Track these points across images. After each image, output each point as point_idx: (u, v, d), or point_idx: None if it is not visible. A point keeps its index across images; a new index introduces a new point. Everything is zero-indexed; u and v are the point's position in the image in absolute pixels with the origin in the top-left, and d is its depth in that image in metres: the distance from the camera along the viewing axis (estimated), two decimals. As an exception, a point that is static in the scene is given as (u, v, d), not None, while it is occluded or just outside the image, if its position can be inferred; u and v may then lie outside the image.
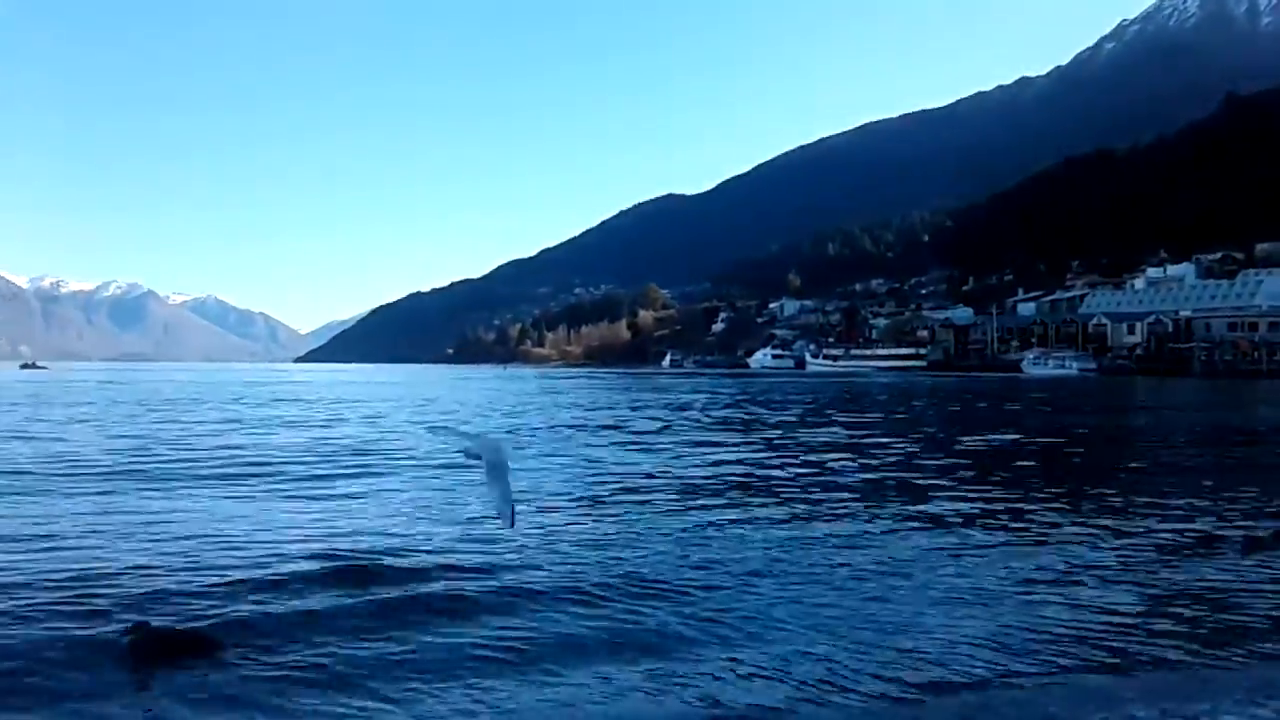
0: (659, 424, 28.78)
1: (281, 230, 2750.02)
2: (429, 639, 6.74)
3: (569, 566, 8.73)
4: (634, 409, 39.36)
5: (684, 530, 10.67)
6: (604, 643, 6.67)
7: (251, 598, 7.66)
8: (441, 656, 6.41)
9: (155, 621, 6.70)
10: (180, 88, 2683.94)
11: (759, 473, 16.40)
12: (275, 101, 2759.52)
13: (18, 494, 13.59)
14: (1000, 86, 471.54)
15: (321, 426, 28.31)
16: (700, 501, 12.76)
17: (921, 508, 12.13)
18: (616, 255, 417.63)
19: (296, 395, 55.24)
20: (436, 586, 8.04)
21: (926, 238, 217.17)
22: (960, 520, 11.20)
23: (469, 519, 11.24)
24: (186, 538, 10.17)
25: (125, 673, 6.07)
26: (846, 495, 13.49)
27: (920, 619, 7.16)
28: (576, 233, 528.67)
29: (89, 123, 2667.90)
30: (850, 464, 17.60)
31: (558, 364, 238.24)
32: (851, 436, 24.78)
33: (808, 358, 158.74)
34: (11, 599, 7.55)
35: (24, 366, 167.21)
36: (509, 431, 24.11)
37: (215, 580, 8.15)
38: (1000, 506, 12.45)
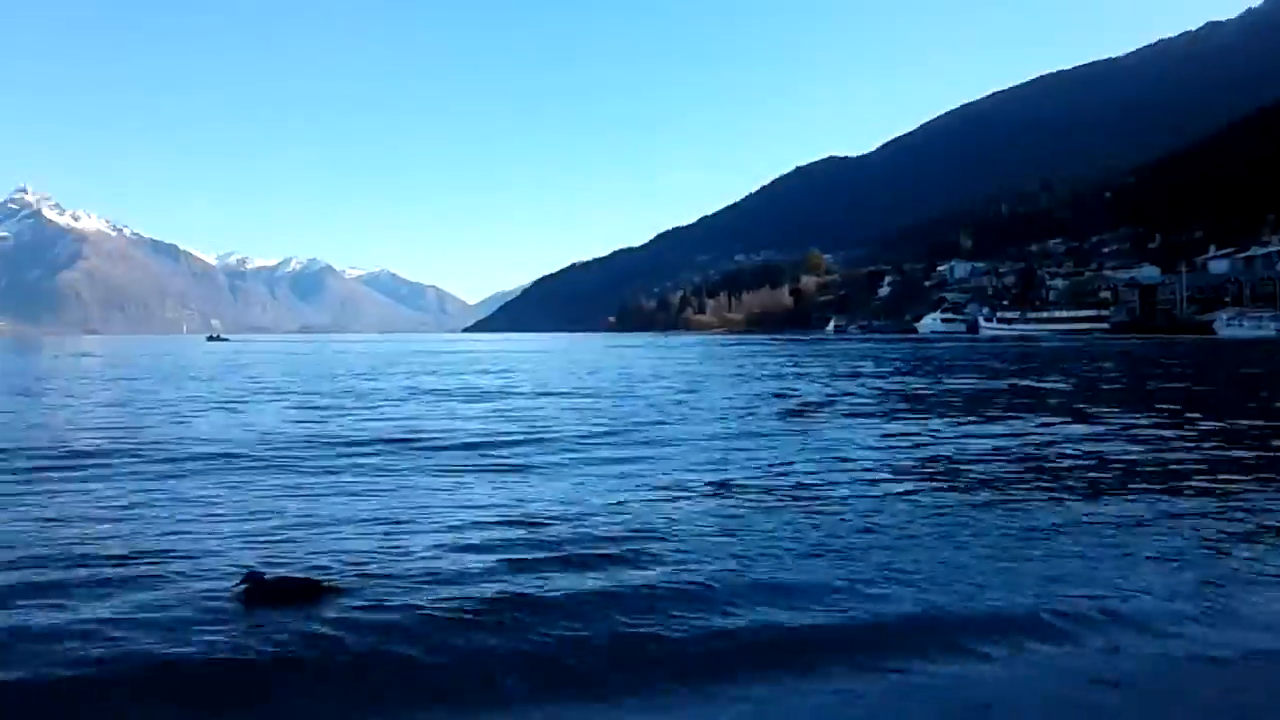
0: (861, 395, 27.97)
1: (450, 205, 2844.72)
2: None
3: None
4: (827, 380, 38.51)
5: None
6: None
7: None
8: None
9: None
10: (353, 87, 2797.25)
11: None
12: (441, 90, 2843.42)
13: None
14: (1186, 33, 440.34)
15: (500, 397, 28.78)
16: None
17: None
18: (777, 221, 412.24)
19: (473, 365, 56.80)
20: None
21: (1108, 194, 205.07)
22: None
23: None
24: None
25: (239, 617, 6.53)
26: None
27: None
28: (736, 199, 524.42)
29: (270, 114, 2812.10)
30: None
31: (719, 331, 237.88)
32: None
33: (980, 321, 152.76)
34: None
35: (210, 339, 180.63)
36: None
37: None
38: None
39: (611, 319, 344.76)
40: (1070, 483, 11.79)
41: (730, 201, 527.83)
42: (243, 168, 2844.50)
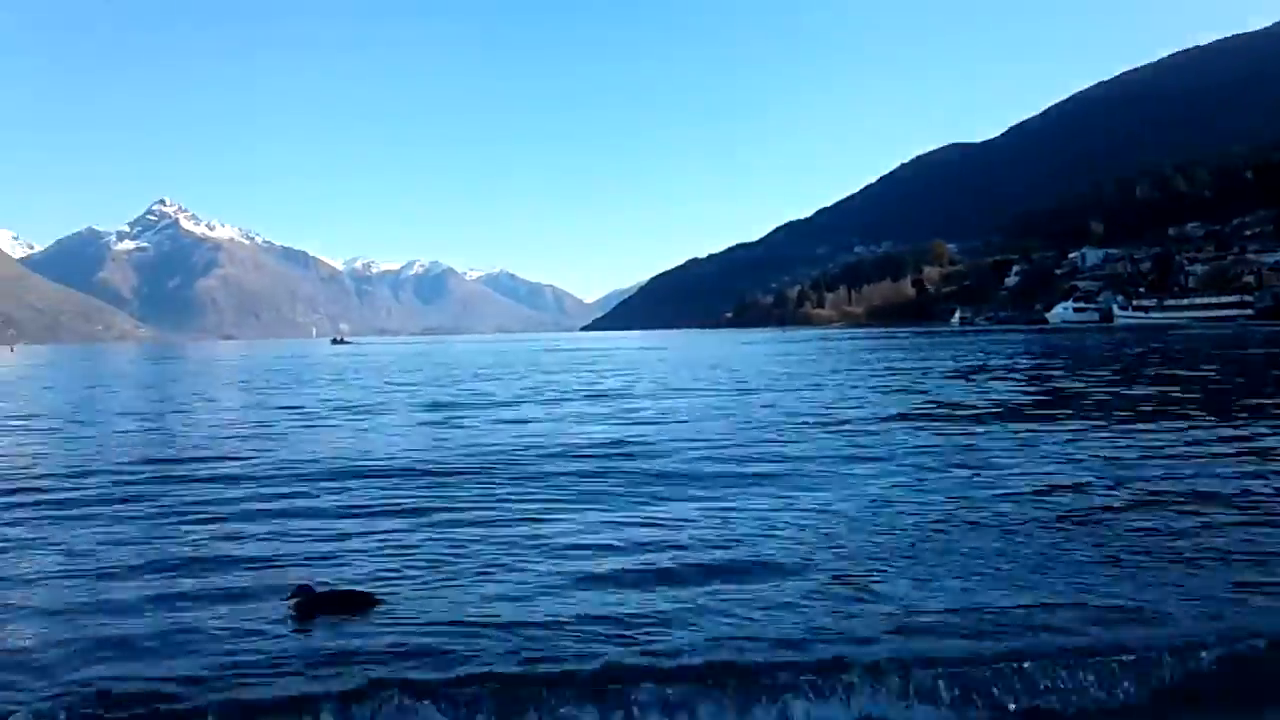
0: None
1: (567, 205, 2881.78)
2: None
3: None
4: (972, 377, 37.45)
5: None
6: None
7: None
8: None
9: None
10: (472, 92, 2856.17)
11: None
12: (557, 91, 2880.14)
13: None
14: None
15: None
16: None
17: None
18: (897, 212, 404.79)
19: (591, 364, 57.47)
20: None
21: (1249, 174, 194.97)
22: None
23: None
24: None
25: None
26: None
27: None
28: (854, 191, 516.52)
29: (391, 122, 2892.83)
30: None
31: (838, 325, 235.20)
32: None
33: (1115, 310, 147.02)
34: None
35: (333, 342, 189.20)
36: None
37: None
38: None
39: (728, 314, 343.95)
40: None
41: (849, 193, 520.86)
42: (367, 174, 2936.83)
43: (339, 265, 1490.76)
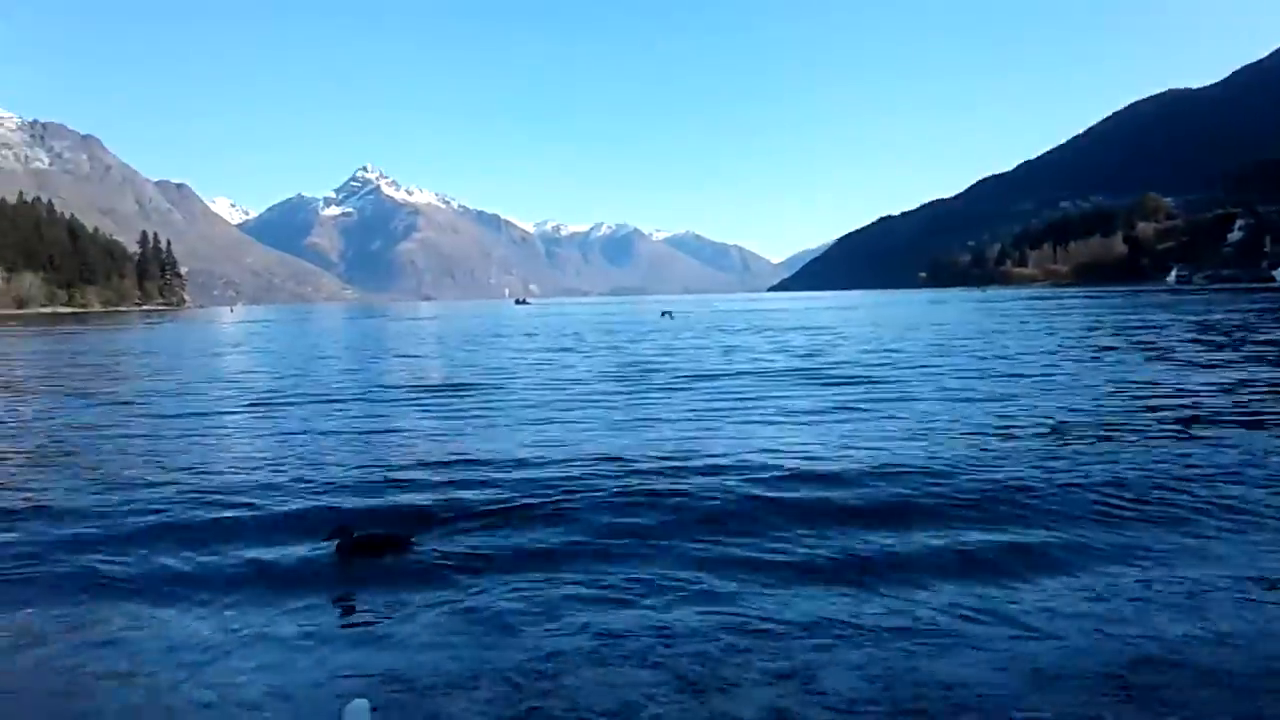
0: None
1: (753, 164, 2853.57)
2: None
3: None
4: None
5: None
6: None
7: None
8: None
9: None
10: (648, 56, 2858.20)
11: None
12: (741, 48, 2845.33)
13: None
14: None
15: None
16: None
17: None
18: (1107, 164, 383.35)
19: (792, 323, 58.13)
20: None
21: None
22: None
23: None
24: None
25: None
26: None
27: None
28: (1060, 141, 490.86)
29: (575, 86, 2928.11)
30: None
31: (1042, 284, 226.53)
32: None
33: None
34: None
35: (517, 302, 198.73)
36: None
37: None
38: None
39: (923, 274, 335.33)
40: None
41: (1055, 144, 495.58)
42: (556, 139, 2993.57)
43: (530, 228, 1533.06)
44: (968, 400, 16.21)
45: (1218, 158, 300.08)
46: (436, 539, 7.73)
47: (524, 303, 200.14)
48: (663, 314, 56.24)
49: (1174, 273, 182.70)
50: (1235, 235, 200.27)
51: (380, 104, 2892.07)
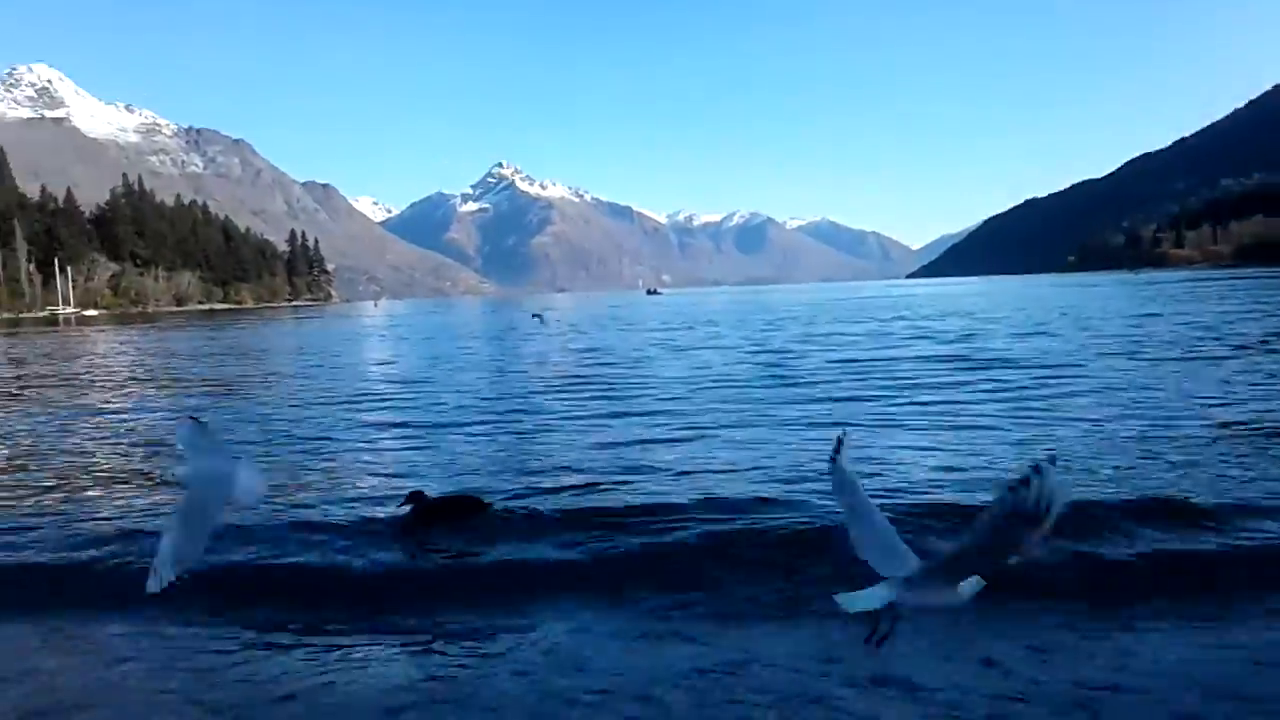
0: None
1: (888, 147, 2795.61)
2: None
3: None
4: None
5: None
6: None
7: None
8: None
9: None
10: (782, 43, 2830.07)
11: None
12: (868, 31, 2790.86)
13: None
14: None
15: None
16: None
17: None
18: (1271, 138, 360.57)
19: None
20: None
21: None
22: None
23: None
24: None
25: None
26: None
27: None
28: (1221, 115, 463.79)
29: (703, 79, 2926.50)
30: None
31: (1202, 266, 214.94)
32: None
33: None
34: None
35: (649, 292, 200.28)
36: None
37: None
38: None
39: (1071, 258, 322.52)
40: None
41: (1214, 119, 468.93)
42: (686, 129, 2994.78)
43: (661, 219, 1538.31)
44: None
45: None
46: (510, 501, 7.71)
47: (655, 293, 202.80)
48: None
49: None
50: None
51: (514, 102, 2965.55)
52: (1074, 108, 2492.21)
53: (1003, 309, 46.78)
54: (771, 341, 28.51)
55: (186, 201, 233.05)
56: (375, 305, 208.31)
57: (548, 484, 8.53)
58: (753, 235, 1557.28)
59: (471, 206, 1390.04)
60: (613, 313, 69.66)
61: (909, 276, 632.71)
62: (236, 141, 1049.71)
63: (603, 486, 8.36)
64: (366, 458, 10.50)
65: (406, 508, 7.08)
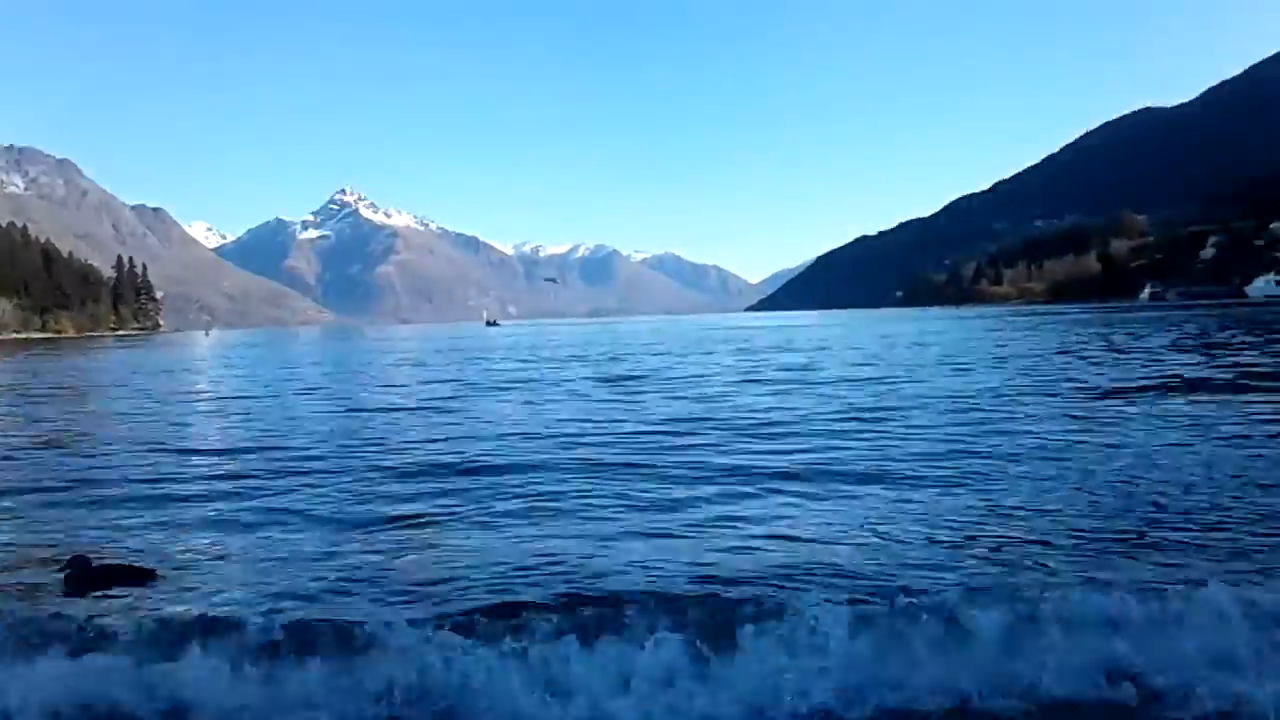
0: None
1: (731, 185, 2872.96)
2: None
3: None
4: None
5: None
6: None
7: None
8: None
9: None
10: (634, 81, 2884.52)
11: None
12: (717, 72, 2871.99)
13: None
14: None
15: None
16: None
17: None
18: (1082, 182, 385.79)
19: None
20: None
21: None
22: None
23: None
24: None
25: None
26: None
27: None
28: (1036, 160, 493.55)
29: (557, 109, 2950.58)
30: None
31: (1017, 302, 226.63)
32: None
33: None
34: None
35: (488, 324, 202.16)
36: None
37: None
38: None
39: (899, 293, 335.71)
40: None
41: (1029, 163, 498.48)
42: (534, 160, 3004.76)
43: (508, 250, 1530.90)
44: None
45: (1191, 175, 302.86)
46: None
47: (495, 324, 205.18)
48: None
49: (1147, 289, 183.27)
50: (1208, 252, 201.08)
51: (359, 128, 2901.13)
52: (905, 151, 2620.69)
53: (876, 345, 47.38)
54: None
55: (4, 224, 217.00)
56: (207, 335, 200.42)
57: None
58: (599, 267, 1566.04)
59: (312, 234, 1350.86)
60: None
61: (748, 309, 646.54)
62: (61, 161, 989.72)
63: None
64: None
65: (65, 573, 6.86)
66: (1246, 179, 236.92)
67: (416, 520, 8.88)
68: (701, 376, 27.25)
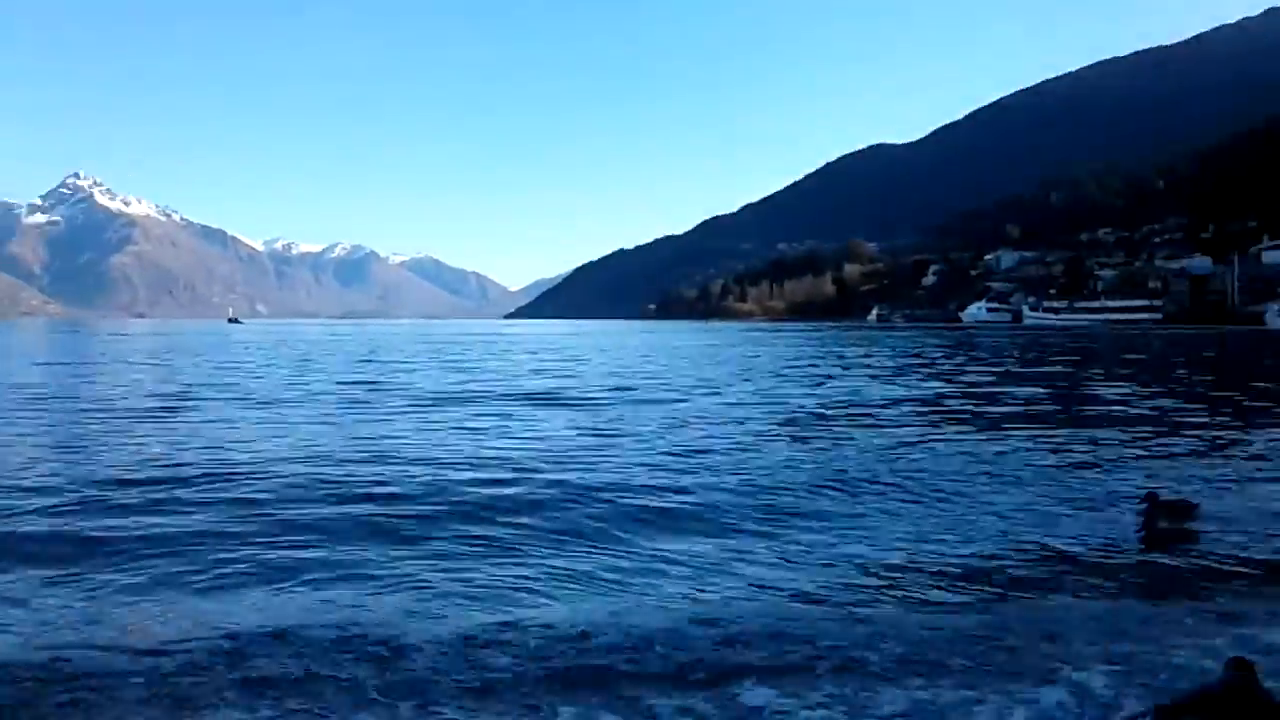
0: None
1: (494, 191, 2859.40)
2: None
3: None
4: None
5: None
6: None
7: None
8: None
9: None
10: (394, 75, 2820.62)
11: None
12: (484, 76, 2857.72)
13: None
14: (1246, 19, 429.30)
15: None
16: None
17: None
18: (821, 209, 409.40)
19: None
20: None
21: (1161, 183, 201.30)
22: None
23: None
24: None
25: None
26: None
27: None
28: (780, 187, 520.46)
29: (316, 102, 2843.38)
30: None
31: (761, 319, 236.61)
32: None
33: (1025, 311, 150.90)
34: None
35: (230, 321, 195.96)
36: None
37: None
38: None
39: (652, 306, 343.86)
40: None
41: (775, 189, 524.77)
42: (290, 154, 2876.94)
43: (259, 245, 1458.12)
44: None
45: (918, 208, 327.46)
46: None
47: (236, 321, 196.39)
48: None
49: (875, 311, 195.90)
50: (930, 279, 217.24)
51: (96, 105, 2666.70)
52: (661, 169, 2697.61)
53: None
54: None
55: None
56: None
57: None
58: (355, 268, 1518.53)
59: (40, 218, 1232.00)
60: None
61: (506, 316, 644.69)
62: None
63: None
64: None
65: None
66: (965, 213, 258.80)
67: None
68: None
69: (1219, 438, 14.82)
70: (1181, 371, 32.64)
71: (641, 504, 9.49)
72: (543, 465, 11.67)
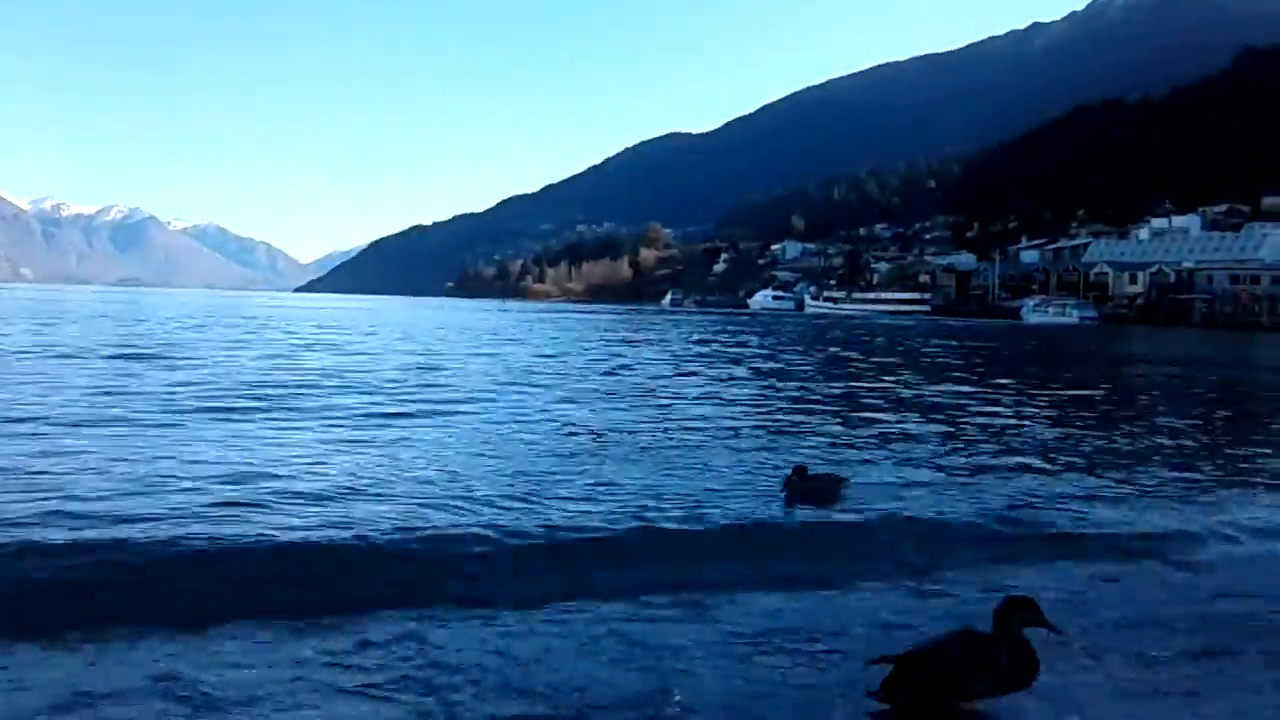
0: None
1: (285, 158, 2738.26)
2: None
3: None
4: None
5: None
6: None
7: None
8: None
9: None
10: (190, 14, 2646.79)
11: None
12: (282, 30, 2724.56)
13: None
14: (1014, 31, 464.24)
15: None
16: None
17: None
18: (620, 194, 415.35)
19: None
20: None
21: (933, 184, 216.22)
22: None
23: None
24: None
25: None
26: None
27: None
28: (580, 169, 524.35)
29: (92, 41, 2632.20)
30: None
31: (558, 300, 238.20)
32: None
33: (807, 299, 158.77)
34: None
35: None
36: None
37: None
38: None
39: (450, 284, 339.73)
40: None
41: (575, 171, 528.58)
42: (60, 103, 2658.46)
43: (24, 204, 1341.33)
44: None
45: (711, 197, 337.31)
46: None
47: None
48: None
49: (669, 296, 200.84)
50: (720, 266, 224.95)
51: None
52: (461, 145, 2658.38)
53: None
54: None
55: None
56: None
57: None
58: (131, 233, 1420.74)
59: None
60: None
61: (297, 290, 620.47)
62: None
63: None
64: None
65: None
66: (754, 205, 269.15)
67: None
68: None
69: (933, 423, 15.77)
70: (926, 360, 34.73)
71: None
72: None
